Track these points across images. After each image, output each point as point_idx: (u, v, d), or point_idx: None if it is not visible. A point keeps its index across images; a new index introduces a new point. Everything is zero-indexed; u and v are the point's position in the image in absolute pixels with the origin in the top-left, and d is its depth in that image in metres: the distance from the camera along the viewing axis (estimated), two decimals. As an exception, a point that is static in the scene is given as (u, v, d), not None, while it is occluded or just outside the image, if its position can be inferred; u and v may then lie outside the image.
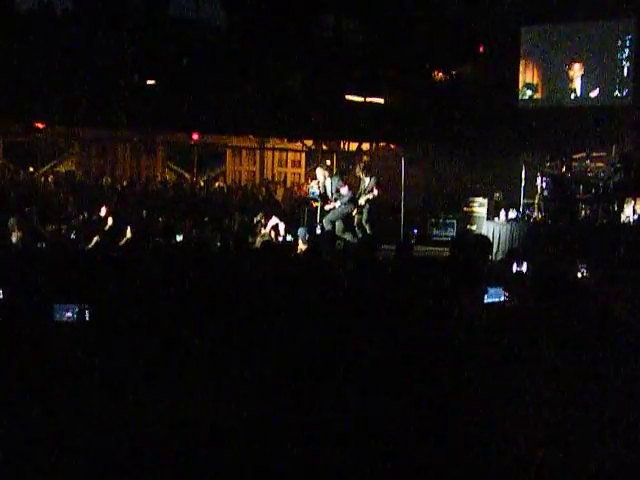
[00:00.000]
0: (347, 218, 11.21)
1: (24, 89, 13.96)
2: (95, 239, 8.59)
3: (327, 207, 11.45)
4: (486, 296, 4.17)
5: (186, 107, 15.60)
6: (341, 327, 4.00)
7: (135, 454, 3.09)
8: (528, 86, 16.62)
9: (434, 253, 10.98)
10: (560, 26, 16.23)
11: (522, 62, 16.70)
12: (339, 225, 11.14)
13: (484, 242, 6.24)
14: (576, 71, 15.99)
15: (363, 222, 11.33)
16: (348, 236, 11.03)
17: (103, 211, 11.48)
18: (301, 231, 8.36)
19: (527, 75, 16.77)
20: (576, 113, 15.30)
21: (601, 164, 12.20)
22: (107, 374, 3.63)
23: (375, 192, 11.24)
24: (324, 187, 11.28)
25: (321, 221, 11.32)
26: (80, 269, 4.83)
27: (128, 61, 15.15)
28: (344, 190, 11.03)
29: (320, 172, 11.50)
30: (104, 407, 3.40)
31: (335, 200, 11.12)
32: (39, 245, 6.83)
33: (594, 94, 15.79)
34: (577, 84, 16.07)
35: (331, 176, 11.45)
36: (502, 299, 4.25)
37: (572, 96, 16.11)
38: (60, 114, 15.21)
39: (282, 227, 11.23)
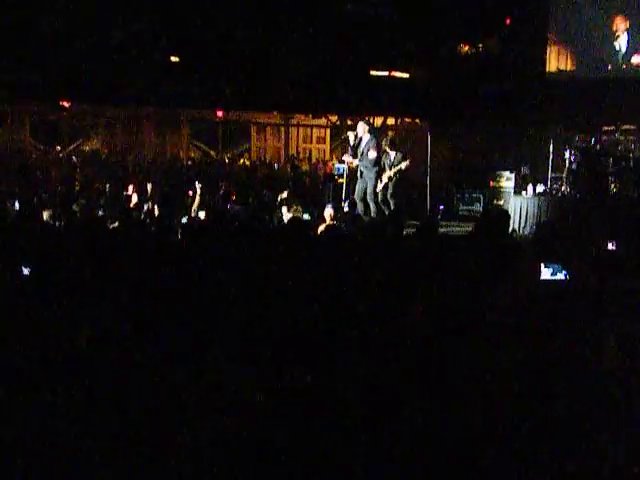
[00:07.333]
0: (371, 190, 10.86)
1: (49, 67, 13.99)
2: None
3: (344, 158, 11.41)
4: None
5: (210, 84, 15.56)
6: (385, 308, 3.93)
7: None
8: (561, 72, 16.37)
9: (460, 229, 10.84)
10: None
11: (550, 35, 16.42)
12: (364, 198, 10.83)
13: (502, 217, 6.16)
14: (620, 31, 15.52)
15: (388, 197, 11.01)
16: (372, 208, 10.68)
17: (130, 189, 11.53)
18: (328, 207, 8.25)
19: (556, 49, 16.49)
20: (606, 85, 15.00)
21: (631, 137, 11.99)
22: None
23: (407, 162, 10.93)
24: (359, 141, 10.85)
25: (347, 198, 11.14)
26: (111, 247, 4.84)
27: (152, 38, 15.12)
28: (371, 154, 10.58)
29: (361, 125, 11.01)
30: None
31: (358, 158, 10.77)
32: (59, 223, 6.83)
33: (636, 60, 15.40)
34: (622, 43, 15.61)
35: (371, 133, 10.90)
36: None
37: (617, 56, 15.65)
38: (85, 92, 15.25)
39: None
